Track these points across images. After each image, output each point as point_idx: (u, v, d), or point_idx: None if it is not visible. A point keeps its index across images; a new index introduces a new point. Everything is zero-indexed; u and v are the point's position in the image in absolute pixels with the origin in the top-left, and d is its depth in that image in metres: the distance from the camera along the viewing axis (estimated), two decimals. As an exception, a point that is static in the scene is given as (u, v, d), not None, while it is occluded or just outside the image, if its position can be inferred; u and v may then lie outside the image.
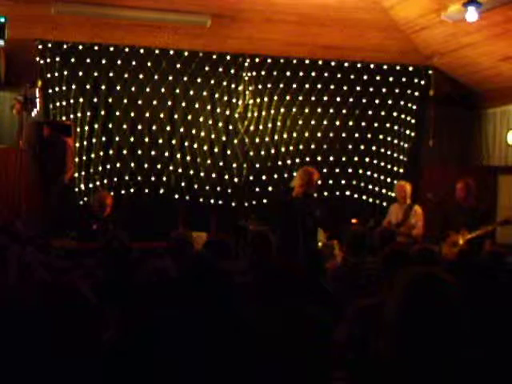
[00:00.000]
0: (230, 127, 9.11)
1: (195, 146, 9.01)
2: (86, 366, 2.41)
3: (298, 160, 9.14)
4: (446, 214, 7.54)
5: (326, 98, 9.34)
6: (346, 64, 9.36)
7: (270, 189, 9.16)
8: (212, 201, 9.06)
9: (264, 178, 9.19)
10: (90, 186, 8.64)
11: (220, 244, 4.86)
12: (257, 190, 9.19)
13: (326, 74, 9.31)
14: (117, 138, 8.77)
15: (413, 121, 9.61)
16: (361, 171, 9.52)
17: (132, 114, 8.78)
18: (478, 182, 7.88)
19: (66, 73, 8.54)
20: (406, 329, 2.08)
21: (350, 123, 9.45)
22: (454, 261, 4.76)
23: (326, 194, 9.28)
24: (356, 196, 9.51)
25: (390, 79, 9.49)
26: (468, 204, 7.38)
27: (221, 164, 9.09)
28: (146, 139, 8.83)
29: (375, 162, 9.56)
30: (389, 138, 9.59)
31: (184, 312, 2.91)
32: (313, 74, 9.27)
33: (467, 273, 3.68)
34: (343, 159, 9.44)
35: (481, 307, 3.05)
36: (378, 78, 9.44)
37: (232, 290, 2.91)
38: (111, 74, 8.71)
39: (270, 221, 7.20)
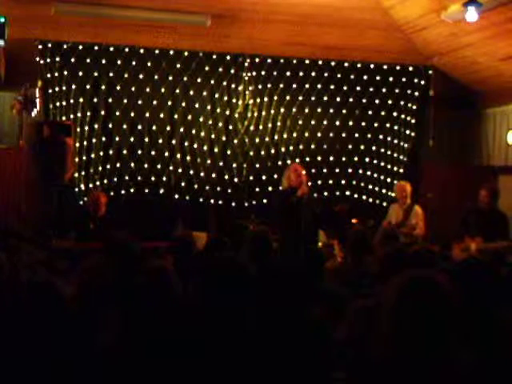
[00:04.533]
0: (230, 127, 9.11)
1: (195, 145, 9.01)
2: (80, 366, 2.41)
3: (297, 160, 9.12)
4: (465, 217, 7.34)
5: (325, 98, 9.34)
6: (345, 64, 9.35)
7: (269, 189, 9.16)
8: (212, 201, 9.05)
9: (264, 177, 9.19)
10: (90, 186, 8.64)
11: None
12: (257, 189, 9.19)
13: (325, 74, 9.30)
14: (117, 138, 8.77)
15: (413, 121, 9.61)
16: (361, 171, 9.52)
17: (132, 114, 8.78)
18: (477, 182, 7.87)
19: (65, 73, 8.54)
20: (399, 331, 2.08)
21: (350, 123, 9.44)
22: (460, 264, 4.74)
23: (326, 194, 9.28)
24: (356, 196, 9.51)
25: (390, 79, 9.49)
26: (490, 210, 7.15)
27: (221, 164, 9.09)
28: (146, 139, 8.83)
29: (375, 161, 9.56)
30: (389, 138, 9.59)
31: (185, 312, 2.91)
32: (313, 74, 9.27)
33: (468, 273, 3.67)
34: (343, 159, 9.44)
35: (481, 307, 3.05)
36: (377, 77, 9.44)
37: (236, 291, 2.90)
38: (111, 74, 8.70)
39: (271, 221, 7.20)
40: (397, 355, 2.09)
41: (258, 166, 9.18)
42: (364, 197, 9.53)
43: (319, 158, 9.33)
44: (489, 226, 6.89)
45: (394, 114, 9.57)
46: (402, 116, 9.59)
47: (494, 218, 7.02)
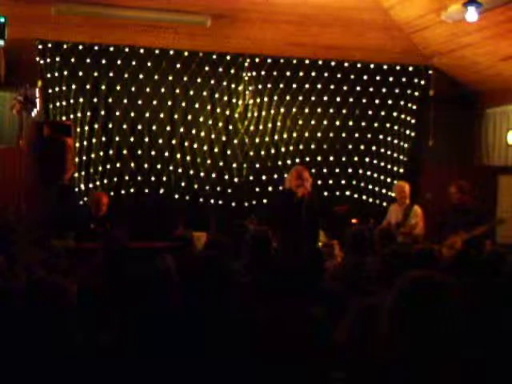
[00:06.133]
0: (230, 127, 9.11)
1: (195, 145, 9.01)
2: (79, 366, 2.41)
3: (298, 160, 9.13)
4: (443, 216, 7.60)
5: (326, 98, 9.34)
6: (346, 64, 9.35)
7: (270, 189, 9.16)
8: (212, 201, 9.05)
9: (264, 177, 9.19)
10: (90, 186, 8.64)
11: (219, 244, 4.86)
12: (257, 189, 9.19)
13: (325, 74, 9.30)
14: (117, 138, 8.77)
15: (413, 121, 9.61)
16: (361, 171, 9.52)
17: (132, 114, 8.78)
18: (478, 182, 7.89)
19: (65, 73, 8.54)
20: (401, 332, 2.08)
21: (350, 123, 9.44)
22: (453, 262, 4.77)
23: (326, 193, 9.28)
24: (356, 196, 9.51)
25: (390, 79, 9.49)
26: (464, 205, 7.42)
27: (221, 164, 9.09)
28: (146, 139, 8.83)
29: (375, 162, 9.56)
30: (389, 138, 9.59)
31: (184, 312, 2.91)
32: (313, 73, 9.27)
33: (468, 273, 3.68)
34: (343, 159, 9.44)
35: (481, 307, 3.05)
36: (377, 78, 9.44)
37: (233, 290, 2.91)
38: (111, 74, 8.70)
39: (271, 221, 7.19)
40: (396, 356, 2.09)
41: (257, 166, 9.18)
42: (364, 197, 9.54)
43: (319, 158, 9.33)
44: (467, 219, 7.10)
45: (394, 114, 9.57)
46: (402, 116, 9.59)
47: (469, 211, 7.30)
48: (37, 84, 8.15)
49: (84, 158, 8.66)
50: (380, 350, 2.14)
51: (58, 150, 8.12)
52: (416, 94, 9.58)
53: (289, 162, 9.17)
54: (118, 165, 8.78)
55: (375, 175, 9.57)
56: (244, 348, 2.67)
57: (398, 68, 9.51)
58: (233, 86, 9.05)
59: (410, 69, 9.54)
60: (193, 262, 3.08)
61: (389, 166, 9.59)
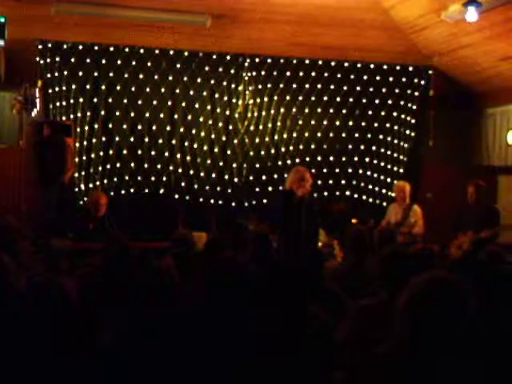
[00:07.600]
0: (230, 127, 9.11)
1: (195, 145, 9.01)
2: (81, 366, 2.41)
3: (297, 160, 9.14)
4: (458, 215, 7.58)
5: (325, 98, 9.34)
6: (346, 64, 9.36)
7: (269, 189, 9.16)
8: (212, 201, 9.06)
9: (264, 177, 9.19)
10: (90, 185, 8.64)
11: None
12: (257, 189, 9.19)
13: (325, 74, 9.30)
14: (117, 138, 8.78)
15: (413, 121, 9.61)
16: (361, 171, 9.52)
17: (132, 114, 8.79)
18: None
19: (65, 73, 8.54)
20: (413, 331, 2.08)
21: (350, 123, 9.45)
22: (456, 261, 4.76)
23: (325, 193, 9.28)
24: (356, 196, 9.51)
25: (390, 79, 9.49)
26: (480, 205, 7.41)
27: (221, 164, 9.10)
28: (146, 139, 8.84)
29: (375, 161, 9.56)
30: (389, 138, 9.59)
31: (184, 312, 2.91)
32: (313, 74, 9.27)
33: (468, 272, 3.67)
34: (343, 159, 9.44)
35: (481, 306, 3.04)
36: (377, 78, 9.44)
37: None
38: (111, 74, 8.71)
39: (271, 221, 7.20)
40: (409, 355, 2.09)
41: (257, 166, 9.18)
42: (364, 197, 9.54)
43: (319, 158, 9.33)
44: (479, 219, 7.09)
45: (394, 114, 9.57)
46: (402, 116, 9.59)
47: (483, 211, 7.30)
48: (37, 84, 8.15)
49: (84, 158, 8.66)
50: (391, 349, 2.14)
51: (57, 150, 8.13)
52: (416, 93, 9.58)
53: (289, 161, 9.17)
54: (118, 165, 8.78)
55: (375, 175, 9.57)
56: (244, 347, 2.67)
57: (398, 68, 9.51)
58: (233, 86, 9.06)
59: (410, 69, 9.54)
60: (218, 263, 3.07)
61: (389, 166, 9.59)
